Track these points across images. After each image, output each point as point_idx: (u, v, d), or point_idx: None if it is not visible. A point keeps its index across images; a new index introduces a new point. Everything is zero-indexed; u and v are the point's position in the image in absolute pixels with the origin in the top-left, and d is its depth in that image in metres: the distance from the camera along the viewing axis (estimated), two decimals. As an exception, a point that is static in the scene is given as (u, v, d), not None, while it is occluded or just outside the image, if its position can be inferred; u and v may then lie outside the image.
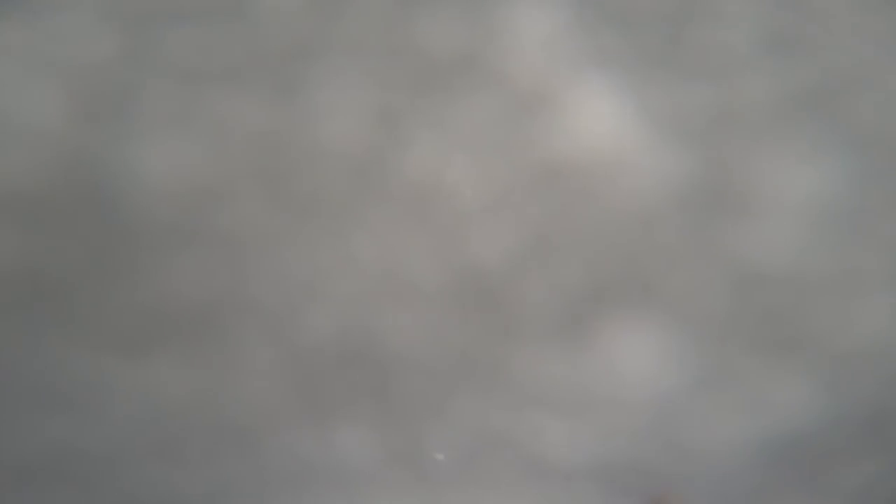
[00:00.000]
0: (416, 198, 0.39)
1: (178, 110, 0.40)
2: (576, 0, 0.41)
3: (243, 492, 0.40)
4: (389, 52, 0.40)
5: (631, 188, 0.39)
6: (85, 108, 0.40)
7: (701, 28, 0.41)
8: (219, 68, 0.40)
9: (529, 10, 0.41)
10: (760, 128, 0.40)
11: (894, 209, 0.40)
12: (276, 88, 0.40)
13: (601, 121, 0.40)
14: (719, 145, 0.40)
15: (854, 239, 0.39)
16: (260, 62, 0.40)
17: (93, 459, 0.40)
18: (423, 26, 0.40)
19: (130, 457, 0.40)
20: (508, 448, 0.40)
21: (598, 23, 0.41)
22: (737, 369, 0.39)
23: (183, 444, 0.40)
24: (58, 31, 0.41)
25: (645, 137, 0.40)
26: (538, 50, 0.40)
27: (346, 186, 0.39)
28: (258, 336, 0.39)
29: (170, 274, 0.39)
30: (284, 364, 0.39)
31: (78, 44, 0.41)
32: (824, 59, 0.41)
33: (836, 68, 0.41)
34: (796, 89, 0.40)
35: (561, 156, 0.39)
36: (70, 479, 0.40)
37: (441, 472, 0.40)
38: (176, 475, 0.40)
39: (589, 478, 0.40)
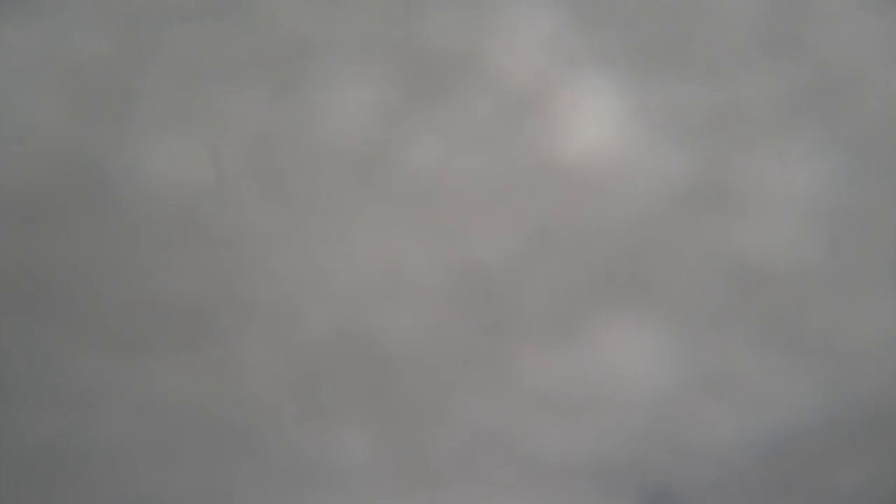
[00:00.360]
0: (416, 196, 0.39)
1: (178, 108, 0.40)
2: (575, 0, 0.41)
3: (243, 492, 0.40)
4: (390, 50, 0.40)
5: (631, 187, 0.39)
6: (85, 106, 0.40)
7: (700, 28, 0.41)
8: (219, 66, 0.40)
9: (529, 9, 0.41)
10: (760, 127, 0.40)
11: (894, 209, 0.40)
12: (277, 87, 0.40)
13: (600, 120, 0.40)
14: (718, 144, 0.40)
15: (854, 238, 0.39)
16: (260, 61, 0.40)
17: (92, 459, 0.40)
18: (424, 25, 0.40)
19: (130, 456, 0.40)
20: (508, 448, 0.40)
21: (597, 22, 0.41)
22: (737, 368, 0.39)
23: (183, 443, 0.40)
24: (58, 31, 0.41)
25: (644, 136, 0.40)
26: (538, 49, 0.40)
27: (346, 184, 0.39)
28: (258, 335, 0.39)
29: (169, 272, 0.39)
30: (284, 363, 0.39)
31: (78, 43, 0.41)
32: (824, 59, 0.41)
33: (836, 68, 0.41)
34: (796, 89, 0.40)
35: (561, 154, 0.39)
36: (69, 479, 0.40)
37: (441, 472, 0.40)
38: (176, 475, 0.40)
39: (589, 477, 0.40)
